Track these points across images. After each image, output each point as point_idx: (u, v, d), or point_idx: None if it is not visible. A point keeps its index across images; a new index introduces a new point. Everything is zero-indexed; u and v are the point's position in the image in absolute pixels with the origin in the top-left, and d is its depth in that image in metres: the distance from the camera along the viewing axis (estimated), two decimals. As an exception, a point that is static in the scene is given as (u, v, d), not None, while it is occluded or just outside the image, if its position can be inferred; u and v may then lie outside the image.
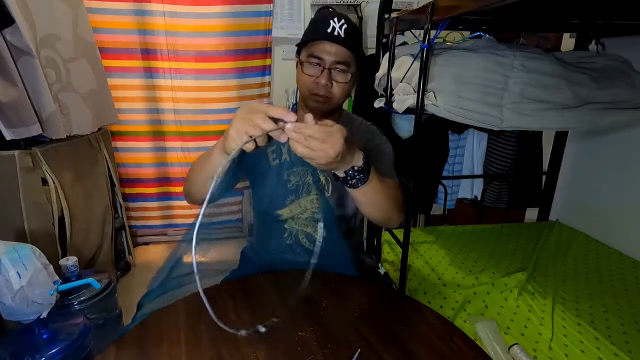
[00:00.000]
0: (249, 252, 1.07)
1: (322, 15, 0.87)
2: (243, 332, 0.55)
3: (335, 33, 0.83)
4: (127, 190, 2.21)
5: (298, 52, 0.91)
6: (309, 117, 0.61)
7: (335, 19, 0.84)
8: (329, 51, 0.84)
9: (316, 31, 0.86)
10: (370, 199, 0.77)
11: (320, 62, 0.85)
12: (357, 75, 0.90)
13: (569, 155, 1.85)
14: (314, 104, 0.88)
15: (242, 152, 0.61)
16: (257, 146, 0.61)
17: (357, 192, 0.73)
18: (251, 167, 0.95)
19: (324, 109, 0.89)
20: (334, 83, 0.86)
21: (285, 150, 0.95)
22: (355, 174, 0.70)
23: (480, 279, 1.38)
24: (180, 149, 2.23)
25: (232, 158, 0.60)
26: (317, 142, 0.60)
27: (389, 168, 0.94)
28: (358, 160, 0.70)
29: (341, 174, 0.70)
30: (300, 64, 0.89)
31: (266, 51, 2.12)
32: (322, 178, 0.95)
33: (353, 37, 0.85)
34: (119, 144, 2.11)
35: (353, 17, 2.05)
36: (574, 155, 1.83)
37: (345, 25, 0.83)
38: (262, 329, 0.56)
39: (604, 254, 1.58)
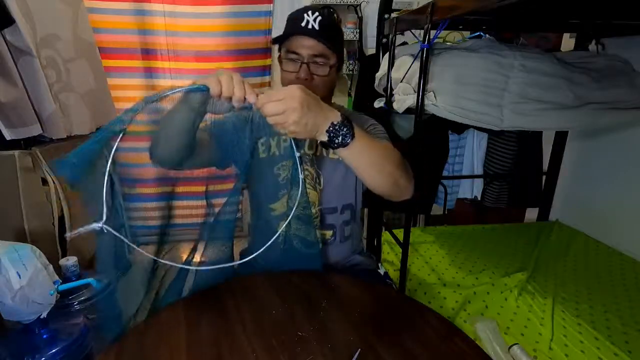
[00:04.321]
0: (247, 255, 1.06)
1: (298, 10, 0.87)
2: None
3: (310, 26, 0.83)
4: (127, 190, 2.21)
5: (279, 50, 0.91)
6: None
7: (310, 12, 0.84)
8: (305, 45, 0.84)
9: (291, 26, 0.86)
10: (365, 156, 0.72)
11: (298, 57, 0.85)
12: (338, 65, 0.90)
13: (569, 155, 1.85)
14: None
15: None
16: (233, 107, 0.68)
17: (349, 152, 0.69)
18: (241, 159, 0.95)
19: None
20: (314, 77, 0.85)
21: (274, 144, 0.94)
22: (338, 128, 0.67)
23: (480, 279, 1.38)
24: (180, 149, 2.22)
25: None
26: (279, 103, 0.63)
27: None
28: (336, 117, 0.67)
29: (324, 136, 0.67)
30: (280, 61, 0.89)
31: (266, 51, 2.12)
32: (312, 170, 0.94)
33: (329, 29, 0.85)
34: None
35: (353, 17, 2.05)
36: (574, 155, 1.83)
37: (319, 18, 0.83)
38: None
39: (604, 254, 1.58)
